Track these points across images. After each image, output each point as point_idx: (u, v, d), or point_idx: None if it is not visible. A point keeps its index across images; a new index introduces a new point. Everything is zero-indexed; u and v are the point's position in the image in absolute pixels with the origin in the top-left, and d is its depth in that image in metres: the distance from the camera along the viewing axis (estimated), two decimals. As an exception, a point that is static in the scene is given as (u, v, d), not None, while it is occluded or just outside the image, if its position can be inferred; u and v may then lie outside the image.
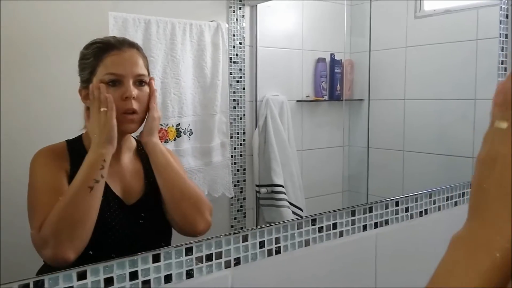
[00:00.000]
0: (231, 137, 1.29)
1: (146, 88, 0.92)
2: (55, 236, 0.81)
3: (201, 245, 0.99)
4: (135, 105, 0.90)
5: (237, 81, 1.30)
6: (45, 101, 0.94)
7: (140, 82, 0.90)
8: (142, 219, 0.91)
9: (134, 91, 0.88)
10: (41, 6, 0.93)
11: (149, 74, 0.96)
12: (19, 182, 0.87)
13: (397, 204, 1.43)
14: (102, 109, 0.85)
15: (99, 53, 0.88)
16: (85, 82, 0.88)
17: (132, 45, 0.91)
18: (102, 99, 0.85)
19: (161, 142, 1.15)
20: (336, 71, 1.52)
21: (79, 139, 0.91)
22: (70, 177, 0.86)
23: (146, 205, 0.92)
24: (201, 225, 0.93)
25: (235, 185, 1.30)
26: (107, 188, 0.88)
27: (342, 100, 1.58)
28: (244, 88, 1.32)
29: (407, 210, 1.46)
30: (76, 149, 0.89)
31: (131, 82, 0.88)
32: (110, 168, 0.90)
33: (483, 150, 0.43)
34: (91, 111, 0.88)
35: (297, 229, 1.18)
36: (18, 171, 0.87)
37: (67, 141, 0.91)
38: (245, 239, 1.08)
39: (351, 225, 1.31)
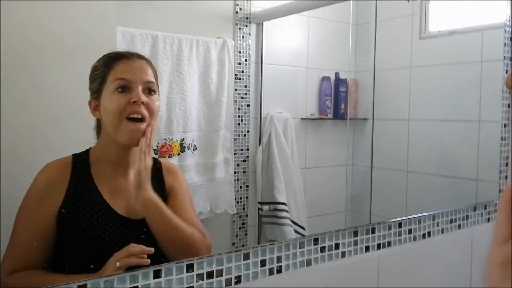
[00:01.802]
0: (235, 153, 1.29)
1: (155, 98, 0.92)
2: None
3: (202, 262, 0.98)
4: (143, 109, 0.90)
5: (242, 98, 1.30)
6: (50, 111, 0.94)
7: (149, 90, 0.90)
8: (145, 234, 0.90)
9: (143, 97, 0.89)
10: (49, 18, 0.94)
11: (157, 85, 0.97)
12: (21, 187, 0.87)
13: (400, 225, 1.42)
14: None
15: (109, 61, 0.89)
16: (95, 93, 0.88)
17: (142, 57, 0.93)
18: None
19: (165, 157, 1.16)
20: (340, 89, 1.53)
21: (85, 153, 0.91)
22: (66, 196, 0.86)
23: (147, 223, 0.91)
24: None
25: (237, 202, 1.30)
26: (107, 207, 0.87)
27: (346, 119, 1.58)
28: (248, 105, 1.32)
29: (410, 232, 1.45)
30: (79, 165, 0.89)
31: (140, 88, 0.88)
32: (116, 184, 0.90)
33: None
34: (103, 135, 0.89)
35: (299, 248, 1.17)
36: (18, 181, 0.87)
37: (74, 155, 0.91)
38: (246, 257, 1.07)
39: (354, 245, 1.30)
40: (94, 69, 0.90)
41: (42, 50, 0.94)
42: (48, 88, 0.94)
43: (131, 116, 0.89)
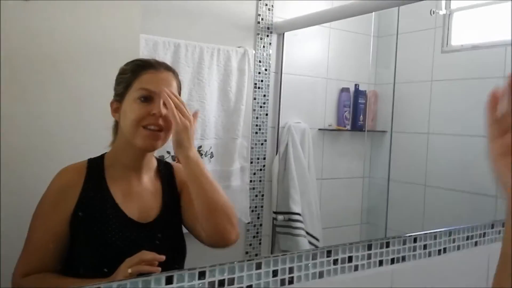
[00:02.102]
0: (251, 162, 1.29)
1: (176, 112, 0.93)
2: None
3: (215, 269, 0.98)
4: (161, 122, 0.92)
5: (261, 107, 1.31)
6: (75, 115, 0.96)
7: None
8: (158, 238, 0.91)
9: (163, 110, 0.90)
10: (76, 24, 0.96)
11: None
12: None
13: (415, 240, 1.40)
14: None
15: (137, 69, 0.91)
16: (119, 95, 0.90)
17: (169, 69, 0.94)
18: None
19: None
20: (359, 101, 1.52)
21: (101, 158, 0.93)
22: (80, 198, 0.87)
23: (161, 224, 0.92)
24: (233, 235, 0.92)
25: (252, 211, 1.30)
26: (119, 210, 0.88)
27: (365, 131, 1.57)
28: (267, 114, 1.32)
29: (425, 247, 1.42)
30: (94, 169, 0.91)
31: (161, 101, 0.90)
32: (129, 188, 0.91)
33: None
34: (119, 136, 0.91)
35: (312, 260, 1.16)
36: (42, 183, 0.89)
37: (89, 159, 0.92)
38: (258, 266, 1.06)
39: (367, 259, 1.28)
40: (122, 72, 0.92)
41: (68, 55, 0.96)
42: (74, 92, 0.96)
43: (148, 127, 0.91)
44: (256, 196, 1.31)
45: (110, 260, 0.86)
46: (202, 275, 0.96)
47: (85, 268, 0.86)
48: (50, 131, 0.94)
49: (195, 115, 0.94)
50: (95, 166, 0.91)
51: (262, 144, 1.32)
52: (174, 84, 0.93)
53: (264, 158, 1.33)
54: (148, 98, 0.89)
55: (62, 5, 0.94)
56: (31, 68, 0.90)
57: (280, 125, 1.36)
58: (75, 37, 0.96)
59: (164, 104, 0.90)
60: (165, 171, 0.99)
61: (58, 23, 0.94)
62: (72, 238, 0.87)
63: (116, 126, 0.93)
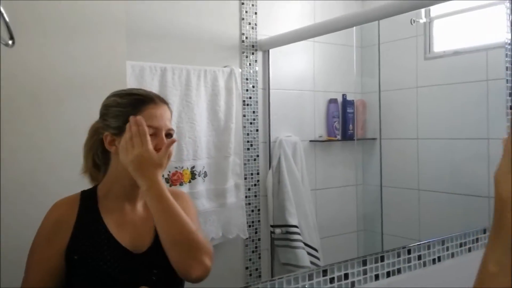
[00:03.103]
0: (245, 178, 1.30)
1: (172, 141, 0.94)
2: None
3: None
4: None
5: (251, 123, 1.33)
6: (61, 147, 0.97)
7: (168, 135, 0.92)
8: (152, 267, 0.89)
9: (166, 143, 0.90)
10: (60, 55, 0.97)
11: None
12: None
13: (409, 252, 1.41)
14: (144, 146, 0.86)
15: (137, 104, 0.89)
16: (116, 129, 0.89)
17: (165, 102, 0.94)
18: (142, 133, 0.86)
19: (176, 185, 1.17)
20: (348, 111, 1.54)
21: (93, 189, 0.93)
22: (75, 228, 0.87)
23: (156, 253, 0.90)
24: (196, 271, 0.85)
25: (249, 226, 1.31)
26: (113, 241, 0.88)
27: (355, 140, 1.59)
28: (257, 130, 1.34)
29: (419, 258, 1.44)
30: (87, 201, 0.91)
31: (164, 134, 0.90)
32: (123, 218, 0.91)
33: None
34: (115, 164, 0.90)
35: (308, 280, 1.17)
36: (31, 220, 0.90)
37: (82, 192, 0.92)
38: None
39: (363, 274, 1.29)
40: (116, 105, 0.90)
41: (51, 87, 0.97)
42: (58, 124, 0.97)
43: None
44: (253, 211, 1.32)
45: None
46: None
47: None
48: (33, 166, 0.95)
49: (169, 143, 0.90)
50: (88, 198, 0.91)
51: (254, 159, 1.33)
52: (170, 116, 0.94)
53: (258, 173, 1.34)
54: (152, 134, 0.89)
55: (46, 41, 0.96)
56: (13, 106, 0.91)
57: (271, 140, 1.38)
58: (58, 69, 0.97)
59: (166, 135, 0.91)
60: None
61: (39, 56, 0.95)
62: (68, 271, 0.87)
63: (106, 158, 0.93)
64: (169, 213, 0.86)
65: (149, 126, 0.87)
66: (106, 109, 0.91)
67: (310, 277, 1.18)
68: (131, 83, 1.07)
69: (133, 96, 0.90)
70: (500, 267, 0.47)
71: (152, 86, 1.11)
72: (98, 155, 0.94)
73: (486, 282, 0.47)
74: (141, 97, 0.90)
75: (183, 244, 0.86)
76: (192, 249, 0.86)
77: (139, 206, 0.94)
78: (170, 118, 0.93)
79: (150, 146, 0.87)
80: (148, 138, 0.87)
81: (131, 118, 0.87)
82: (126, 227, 0.91)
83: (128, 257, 0.88)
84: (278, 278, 1.11)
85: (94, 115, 0.93)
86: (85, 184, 0.94)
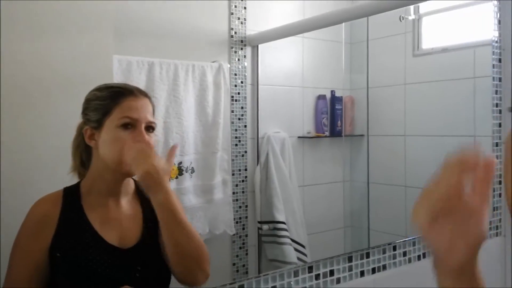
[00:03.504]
0: (233, 174, 1.30)
1: (153, 135, 0.93)
2: None
3: None
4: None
5: (239, 119, 1.32)
6: (47, 142, 0.96)
7: (148, 128, 0.91)
8: (139, 265, 0.89)
9: (146, 136, 0.89)
10: (45, 48, 0.95)
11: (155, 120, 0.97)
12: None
13: (394, 248, 1.42)
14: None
15: (117, 96, 0.88)
16: (95, 122, 0.88)
17: (146, 95, 0.93)
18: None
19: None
20: (336, 107, 1.54)
21: (76, 186, 0.92)
22: (57, 230, 0.86)
23: (143, 250, 0.90)
24: (201, 280, 0.89)
25: (237, 222, 1.30)
26: (98, 237, 0.87)
27: (343, 136, 1.59)
28: (245, 126, 1.33)
29: (405, 254, 1.45)
30: (70, 198, 0.89)
31: (143, 127, 0.89)
32: (107, 214, 0.90)
33: None
34: (95, 163, 0.90)
35: (294, 277, 1.18)
36: (19, 215, 0.88)
37: (65, 188, 0.91)
38: None
39: (348, 271, 1.30)
40: (95, 98, 0.89)
41: (41, 82, 0.95)
42: (47, 121, 0.96)
43: None
44: (240, 207, 1.32)
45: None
46: (185, 303, 0.95)
47: None
48: (27, 165, 0.94)
49: (172, 151, 0.91)
50: (71, 195, 0.89)
51: (242, 155, 1.33)
52: (151, 110, 0.93)
53: (246, 169, 1.33)
54: (129, 125, 0.88)
55: (33, 36, 0.94)
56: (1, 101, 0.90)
57: (259, 136, 1.37)
58: (46, 64, 0.95)
59: (146, 128, 0.90)
60: (144, 194, 0.95)
61: (28, 52, 0.93)
62: (52, 268, 0.85)
63: (88, 154, 0.92)
64: (182, 226, 0.87)
65: (127, 117, 0.87)
66: (87, 104, 0.90)
67: (296, 274, 1.18)
68: (118, 78, 1.06)
69: (112, 89, 0.90)
70: None
71: (139, 80, 1.09)
72: (84, 152, 0.93)
73: None
74: (120, 89, 0.89)
75: (193, 256, 0.88)
76: (200, 260, 0.88)
77: (124, 202, 0.93)
78: (152, 111, 0.92)
79: (155, 156, 0.86)
80: (153, 151, 0.87)
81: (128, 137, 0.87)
82: (110, 223, 0.90)
83: (113, 254, 0.87)
84: (264, 275, 1.12)
85: (80, 111, 0.92)
86: (72, 182, 0.93)
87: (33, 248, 0.85)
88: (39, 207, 0.87)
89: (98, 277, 0.85)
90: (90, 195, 0.90)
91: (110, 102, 0.88)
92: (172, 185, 1.16)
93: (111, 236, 0.88)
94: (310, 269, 1.21)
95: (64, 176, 0.92)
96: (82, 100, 0.91)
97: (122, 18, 1.07)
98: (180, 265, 0.88)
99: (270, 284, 1.12)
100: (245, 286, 1.08)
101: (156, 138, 1.02)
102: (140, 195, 0.95)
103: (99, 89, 0.90)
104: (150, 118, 0.90)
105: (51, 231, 0.86)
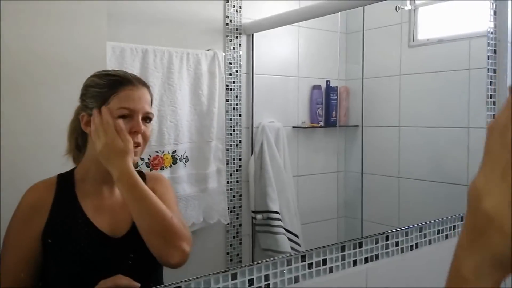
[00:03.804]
0: (227, 163, 1.29)
1: (150, 125, 0.93)
2: None
3: (190, 284, 0.98)
4: (139, 139, 0.91)
5: (234, 108, 1.31)
6: (39, 130, 0.94)
7: (145, 118, 0.91)
8: (132, 252, 0.89)
9: (143, 127, 0.89)
10: (38, 35, 0.94)
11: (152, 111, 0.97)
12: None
13: (387, 238, 1.43)
14: (110, 134, 0.85)
15: (115, 85, 0.88)
16: (92, 110, 0.88)
17: (145, 84, 0.93)
18: (111, 124, 0.86)
19: (157, 169, 1.16)
20: (331, 97, 1.54)
21: (70, 173, 0.91)
22: (49, 216, 0.85)
23: (134, 238, 0.89)
24: (175, 257, 0.87)
25: (231, 212, 1.30)
26: (90, 225, 0.87)
27: (337, 127, 1.59)
28: (240, 115, 1.33)
29: (397, 244, 1.45)
30: (64, 185, 0.89)
31: (140, 117, 0.89)
32: (100, 202, 0.90)
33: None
34: (90, 148, 0.89)
35: (287, 265, 1.18)
36: (8, 204, 0.87)
37: (59, 175, 0.90)
38: (234, 277, 1.07)
39: (341, 260, 1.30)
40: (94, 85, 0.89)
41: (29, 69, 0.93)
42: (36, 107, 0.94)
43: None
44: (234, 196, 1.32)
45: (84, 277, 0.85)
46: (177, 289, 0.96)
47: (61, 285, 0.85)
48: (12, 150, 0.91)
49: (126, 129, 0.89)
50: (65, 182, 0.89)
51: (237, 145, 1.32)
52: (149, 99, 0.92)
53: (240, 159, 1.33)
54: (127, 116, 0.88)
55: (23, 21, 0.92)
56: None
57: (254, 125, 1.37)
58: (37, 51, 0.93)
59: (143, 119, 0.90)
60: None
61: (18, 38, 0.91)
62: (45, 255, 0.85)
63: (84, 140, 0.91)
64: (142, 202, 0.86)
65: (124, 108, 0.86)
66: (85, 90, 0.90)
67: (289, 263, 1.18)
68: (111, 65, 1.04)
69: (111, 77, 0.89)
70: (476, 276, 0.42)
71: (133, 68, 1.08)
72: (79, 137, 0.92)
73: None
74: (118, 78, 0.89)
75: (159, 232, 0.87)
76: (169, 236, 0.86)
77: (117, 190, 0.93)
78: (150, 101, 0.92)
79: (114, 134, 0.86)
80: (112, 127, 0.86)
81: (94, 111, 0.86)
82: (103, 211, 0.89)
83: (105, 242, 0.87)
84: (257, 263, 1.12)
85: (72, 98, 0.90)
86: (64, 169, 0.92)
87: (25, 234, 0.85)
88: (32, 193, 0.87)
89: (89, 264, 0.85)
90: (84, 182, 0.90)
91: (108, 91, 0.87)
92: (166, 173, 1.16)
93: (103, 224, 0.88)
94: (303, 258, 1.21)
95: (55, 164, 0.92)
96: (75, 87, 0.90)
97: (115, 4, 1.05)
98: (152, 244, 0.86)
99: (263, 273, 1.13)
100: (238, 274, 1.08)
101: (152, 128, 1.01)
102: None
103: (99, 75, 0.90)
104: (148, 109, 0.91)
105: (43, 217, 0.85)
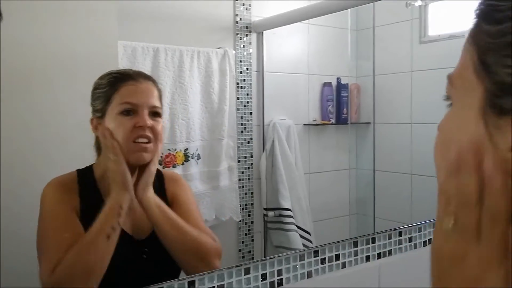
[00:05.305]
0: (239, 161, 1.30)
1: (160, 120, 0.91)
2: (69, 281, 0.81)
3: (203, 278, 0.98)
4: (149, 133, 0.89)
5: (244, 106, 1.32)
6: (51, 129, 0.96)
7: (154, 113, 0.89)
8: (146, 254, 0.89)
9: (149, 121, 0.88)
10: (50, 34, 0.95)
11: (162, 106, 0.96)
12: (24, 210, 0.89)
13: (400, 234, 1.42)
14: (112, 158, 0.84)
15: (115, 82, 0.88)
16: (99, 111, 0.88)
17: (148, 78, 0.92)
18: (109, 146, 0.84)
19: (169, 167, 1.17)
20: (342, 94, 1.54)
21: (89, 169, 0.91)
22: (81, 211, 0.85)
23: (156, 240, 0.90)
24: (205, 270, 0.91)
25: (242, 209, 1.31)
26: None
27: (349, 124, 1.58)
28: (251, 113, 1.33)
29: (410, 240, 1.45)
30: (86, 181, 0.89)
31: (145, 112, 0.88)
32: None
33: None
34: (103, 154, 0.89)
35: (300, 260, 1.18)
36: (21, 201, 0.89)
37: (78, 171, 0.90)
38: (247, 271, 1.07)
39: (354, 256, 1.30)
40: (98, 86, 0.89)
41: (42, 68, 0.95)
42: (47, 105, 0.96)
43: (137, 140, 0.89)
44: (246, 194, 1.32)
45: (104, 278, 0.84)
46: (191, 284, 0.96)
47: None
48: (24, 148, 0.93)
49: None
50: (86, 178, 0.90)
51: (248, 142, 1.33)
52: (156, 94, 0.91)
53: (251, 156, 1.34)
54: (131, 111, 0.86)
55: (35, 18, 0.93)
56: (1, 86, 0.89)
57: (265, 123, 1.37)
58: (49, 49, 0.95)
59: (151, 114, 0.89)
60: (155, 181, 0.95)
61: (29, 36, 0.93)
62: None
63: (99, 142, 0.91)
64: (172, 222, 0.88)
65: (126, 103, 0.86)
66: (92, 93, 0.90)
67: (302, 258, 1.18)
68: (123, 64, 1.06)
69: (111, 75, 0.89)
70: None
71: (144, 66, 1.09)
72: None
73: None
74: (118, 75, 0.89)
75: (191, 251, 0.89)
76: (200, 254, 0.87)
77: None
78: (158, 95, 0.91)
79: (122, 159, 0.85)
80: (119, 151, 0.85)
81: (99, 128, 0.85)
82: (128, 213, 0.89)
83: (129, 244, 0.87)
84: (270, 258, 1.12)
85: (84, 96, 0.91)
86: (75, 166, 0.93)
87: (63, 212, 0.85)
88: (56, 190, 0.87)
89: (112, 262, 0.84)
90: (104, 180, 0.90)
91: (109, 89, 0.87)
92: (178, 171, 1.17)
93: (126, 225, 0.88)
94: (316, 253, 1.21)
95: (61, 159, 0.92)
96: (86, 87, 0.91)
97: (126, 3, 1.07)
98: (183, 263, 0.88)
99: (276, 268, 1.13)
100: (251, 269, 1.08)
101: (163, 124, 1.01)
102: (154, 186, 0.94)
103: (101, 77, 0.90)
104: (154, 103, 0.89)
105: (76, 202, 0.85)
